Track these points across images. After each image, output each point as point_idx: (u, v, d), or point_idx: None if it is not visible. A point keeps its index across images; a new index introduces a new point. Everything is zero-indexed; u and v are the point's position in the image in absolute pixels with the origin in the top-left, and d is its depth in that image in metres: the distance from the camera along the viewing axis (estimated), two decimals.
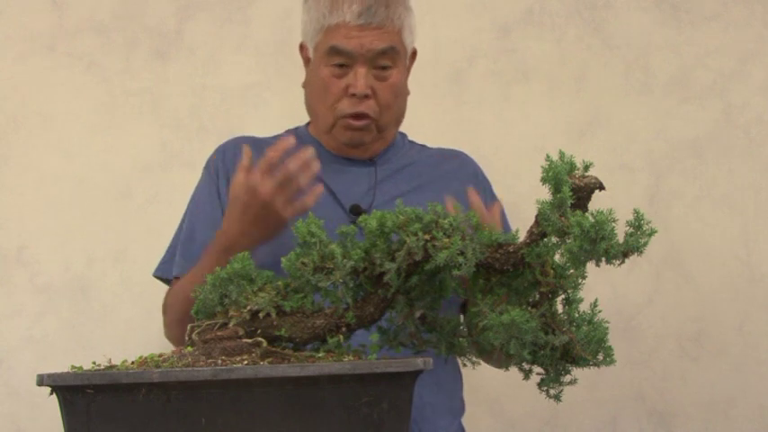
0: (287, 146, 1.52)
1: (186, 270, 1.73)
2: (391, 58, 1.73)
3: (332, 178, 1.76)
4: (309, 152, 1.53)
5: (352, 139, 1.75)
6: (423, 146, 1.90)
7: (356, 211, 1.72)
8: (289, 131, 1.89)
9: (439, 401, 1.71)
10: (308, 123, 1.88)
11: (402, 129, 1.92)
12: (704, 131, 2.30)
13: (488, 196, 1.85)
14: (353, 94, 1.70)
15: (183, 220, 1.83)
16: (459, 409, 1.81)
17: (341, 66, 1.71)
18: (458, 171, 1.84)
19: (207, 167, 1.83)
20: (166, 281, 1.81)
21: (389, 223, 1.18)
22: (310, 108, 1.80)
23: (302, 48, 1.81)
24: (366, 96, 1.71)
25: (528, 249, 1.16)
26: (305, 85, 1.81)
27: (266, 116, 2.26)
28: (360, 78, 1.70)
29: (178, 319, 1.71)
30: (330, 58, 1.72)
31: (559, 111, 2.30)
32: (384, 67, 1.72)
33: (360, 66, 1.70)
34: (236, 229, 1.57)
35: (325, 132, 1.78)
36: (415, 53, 1.83)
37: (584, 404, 2.21)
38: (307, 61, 1.81)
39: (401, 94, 1.78)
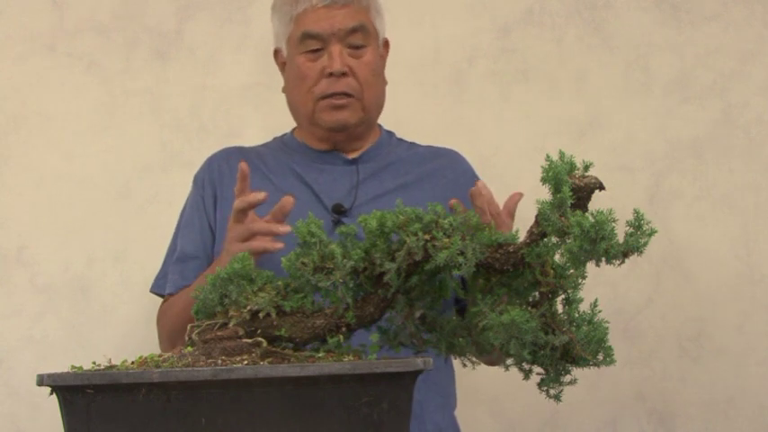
0: (254, 201, 1.53)
1: (178, 288, 1.74)
2: (363, 37, 1.73)
3: (314, 178, 1.76)
4: (243, 166, 1.55)
5: (336, 120, 1.73)
6: (412, 143, 1.89)
7: (338, 211, 1.71)
8: (276, 138, 1.89)
9: (430, 398, 1.71)
10: (293, 129, 1.87)
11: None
12: (704, 131, 2.30)
13: None
14: (331, 74, 1.70)
15: (174, 235, 1.84)
16: (452, 404, 1.80)
17: (315, 51, 1.72)
18: (445, 169, 1.83)
19: (194, 181, 1.83)
20: (162, 296, 1.82)
21: (389, 223, 1.18)
22: (291, 104, 1.80)
23: (276, 54, 1.82)
24: (344, 74, 1.71)
25: (528, 249, 1.16)
26: (284, 88, 1.81)
27: (266, 116, 2.26)
28: (335, 56, 1.70)
29: (167, 336, 1.73)
30: (303, 45, 1.72)
31: (559, 111, 2.30)
32: (357, 47, 1.73)
33: (333, 45, 1.71)
34: (224, 257, 1.58)
35: (308, 122, 1.77)
36: (387, 44, 1.84)
37: (584, 404, 2.21)
38: (283, 66, 1.81)
39: (378, 74, 1.77)
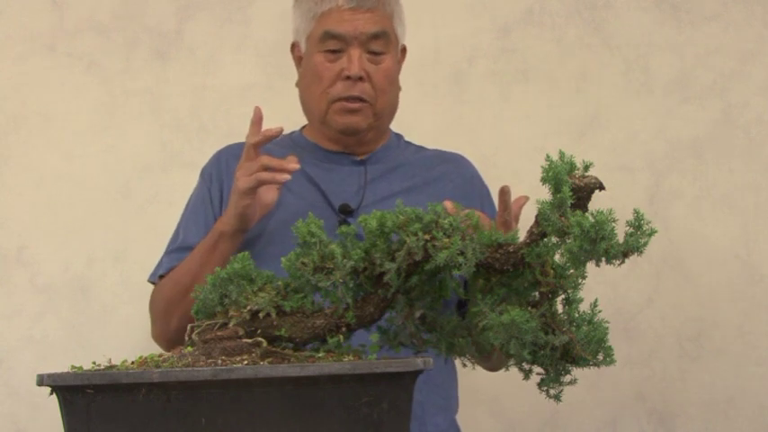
0: (270, 134, 1.57)
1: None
2: (384, 44, 1.73)
3: (322, 177, 1.76)
4: (257, 110, 1.59)
5: (347, 124, 1.74)
6: (420, 147, 1.89)
7: (345, 211, 1.71)
8: (285, 136, 1.89)
9: (431, 400, 1.71)
10: (302, 127, 1.88)
11: (402, 129, 1.92)
12: (704, 131, 2.30)
13: (486, 202, 1.84)
14: (348, 77, 1.71)
15: (177, 226, 1.84)
16: (453, 407, 1.80)
17: (334, 51, 1.72)
18: (453, 174, 1.83)
19: (202, 174, 1.84)
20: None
21: (389, 223, 1.18)
22: (304, 102, 1.80)
23: (294, 47, 1.82)
24: (360, 79, 1.71)
25: (528, 249, 1.16)
26: (298, 83, 1.81)
27: (266, 116, 2.25)
28: (354, 60, 1.70)
29: (162, 313, 1.72)
30: (324, 44, 1.72)
31: (559, 111, 2.30)
32: (377, 53, 1.73)
33: (353, 48, 1.71)
34: (228, 212, 1.60)
35: (320, 121, 1.77)
36: (405, 50, 1.84)
37: (584, 404, 2.21)
38: (299, 60, 1.81)
39: (394, 81, 1.77)
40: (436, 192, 1.77)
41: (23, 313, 2.20)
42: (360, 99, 1.72)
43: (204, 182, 1.81)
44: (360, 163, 1.79)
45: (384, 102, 1.75)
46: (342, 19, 1.71)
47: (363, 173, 1.78)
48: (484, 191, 1.86)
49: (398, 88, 1.81)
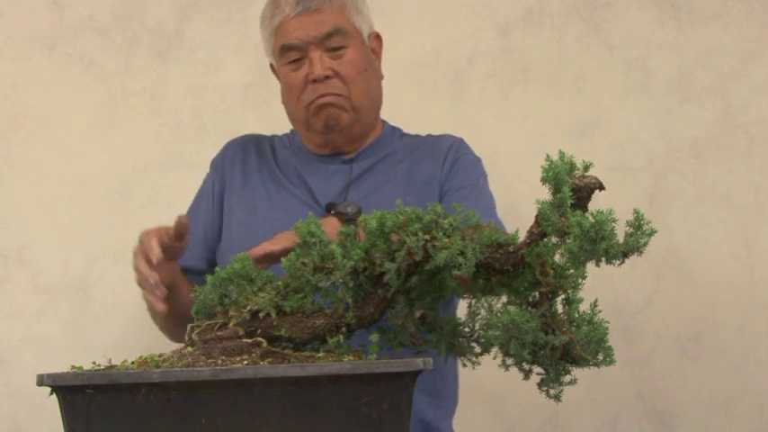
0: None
1: None
2: (341, 38, 1.74)
3: (312, 176, 1.79)
4: (182, 221, 1.52)
5: (326, 120, 1.74)
6: (415, 136, 1.89)
7: (332, 209, 1.73)
8: (285, 134, 1.91)
9: (433, 398, 1.71)
10: None
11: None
12: (704, 131, 2.29)
13: (456, 167, 1.78)
14: (314, 80, 1.72)
15: None
16: (453, 404, 1.81)
17: (297, 60, 1.74)
18: (432, 148, 1.82)
19: (211, 165, 1.89)
20: None
21: (389, 223, 1.18)
22: (288, 115, 1.83)
23: (272, 66, 1.84)
24: (327, 78, 1.72)
25: (528, 249, 1.16)
26: (281, 99, 1.83)
27: (266, 116, 2.26)
28: (315, 63, 1.72)
29: (159, 327, 1.77)
30: (285, 57, 1.75)
31: (559, 111, 2.30)
32: (337, 48, 1.73)
33: (312, 52, 1.72)
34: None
35: (305, 128, 1.79)
36: (378, 37, 1.83)
37: (584, 404, 2.21)
38: (278, 77, 1.83)
39: (364, 70, 1.76)
40: (416, 170, 1.77)
41: (23, 313, 2.20)
42: (332, 94, 1.73)
43: (211, 173, 1.87)
44: (348, 161, 1.80)
45: (359, 92, 1.75)
46: (292, 28, 1.72)
47: (349, 171, 1.79)
48: (461, 156, 1.81)
49: (376, 76, 1.80)
